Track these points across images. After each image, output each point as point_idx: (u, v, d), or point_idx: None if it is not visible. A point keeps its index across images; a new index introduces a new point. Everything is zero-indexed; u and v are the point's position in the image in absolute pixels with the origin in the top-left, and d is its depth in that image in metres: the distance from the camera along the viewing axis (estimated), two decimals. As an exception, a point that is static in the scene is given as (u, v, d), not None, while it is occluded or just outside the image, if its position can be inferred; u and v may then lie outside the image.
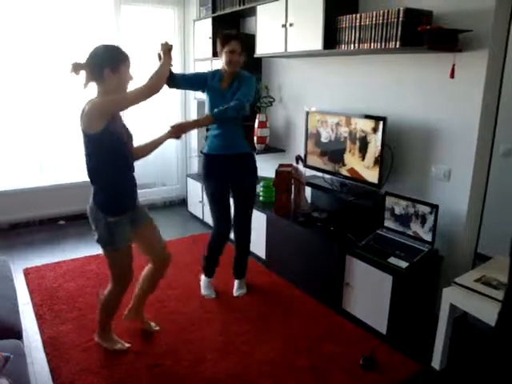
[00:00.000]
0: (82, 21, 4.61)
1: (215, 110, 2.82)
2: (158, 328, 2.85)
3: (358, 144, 3.12)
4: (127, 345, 2.67)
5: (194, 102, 5.17)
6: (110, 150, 2.32)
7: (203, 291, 3.31)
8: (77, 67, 2.31)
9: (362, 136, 3.07)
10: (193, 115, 5.25)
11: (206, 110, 3.04)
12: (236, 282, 3.37)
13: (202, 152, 3.18)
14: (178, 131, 2.74)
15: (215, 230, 3.21)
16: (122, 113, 2.55)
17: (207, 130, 3.22)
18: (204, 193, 3.20)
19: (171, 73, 2.83)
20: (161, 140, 2.68)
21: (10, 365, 1.76)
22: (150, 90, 2.35)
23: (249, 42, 3.97)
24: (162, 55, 2.62)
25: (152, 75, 2.39)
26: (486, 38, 2.51)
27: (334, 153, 3.35)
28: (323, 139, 3.42)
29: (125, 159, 2.44)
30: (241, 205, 3.19)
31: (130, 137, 2.49)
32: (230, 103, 2.81)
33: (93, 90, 2.35)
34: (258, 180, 3.34)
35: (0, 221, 4.58)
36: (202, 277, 3.37)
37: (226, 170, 3.08)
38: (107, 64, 2.28)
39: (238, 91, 2.90)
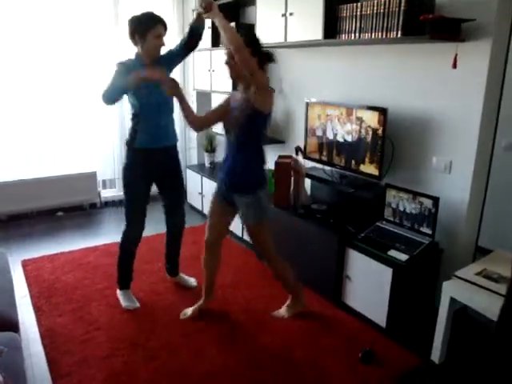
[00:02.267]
0: (80, 11, 4.55)
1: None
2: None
3: (358, 135, 3.09)
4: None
5: (193, 94, 5.13)
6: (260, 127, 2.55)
7: (124, 304, 3.01)
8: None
9: (363, 127, 3.03)
10: (192, 106, 5.21)
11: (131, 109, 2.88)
12: (180, 278, 3.34)
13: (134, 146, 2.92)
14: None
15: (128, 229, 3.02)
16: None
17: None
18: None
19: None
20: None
21: (5, 358, 1.75)
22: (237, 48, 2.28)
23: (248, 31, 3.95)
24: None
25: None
26: (489, 27, 2.46)
27: (333, 144, 3.31)
28: (323, 130, 3.38)
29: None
30: (171, 197, 3.16)
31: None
32: None
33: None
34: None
35: (-2, 212, 4.56)
36: (119, 291, 3.10)
37: (148, 164, 2.93)
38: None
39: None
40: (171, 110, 2.93)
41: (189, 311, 2.92)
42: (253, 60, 2.33)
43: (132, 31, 2.71)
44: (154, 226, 3.63)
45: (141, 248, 3.05)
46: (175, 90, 2.55)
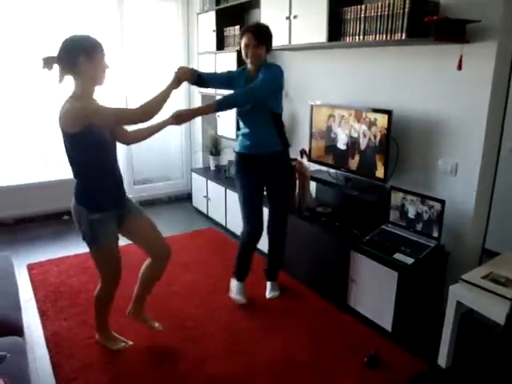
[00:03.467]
0: (86, 15, 4.57)
1: (219, 97, 2.75)
2: (160, 328, 2.76)
3: (363, 137, 3.07)
4: (130, 342, 2.65)
5: (198, 96, 5.13)
6: (89, 148, 2.25)
7: (234, 295, 3.13)
8: (49, 61, 2.23)
9: (367, 129, 3.02)
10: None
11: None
12: (268, 284, 3.28)
13: (234, 150, 3.14)
14: (178, 119, 2.60)
15: (246, 228, 3.06)
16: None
17: (238, 128, 3.19)
18: (237, 191, 3.12)
19: (199, 74, 2.84)
20: (160, 126, 2.53)
21: (10, 362, 1.74)
22: (142, 115, 2.31)
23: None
24: (176, 78, 2.60)
25: (151, 100, 2.34)
26: (495, 28, 2.44)
27: (338, 146, 3.30)
28: (328, 133, 3.37)
29: (107, 156, 2.36)
30: (276, 205, 3.13)
31: (112, 132, 2.40)
32: (239, 90, 2.76)
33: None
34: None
35: (4, 216, 4.58)
36: (234, 281, 3.20)
37: (257, 170, 3.01)
38: (81, 51, 2.19)
39: None
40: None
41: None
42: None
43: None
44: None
45: (141, 253, 3.02)
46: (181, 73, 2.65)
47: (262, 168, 3.00)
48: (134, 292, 2.74)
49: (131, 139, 2.57)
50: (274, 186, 3.09)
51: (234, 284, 3.18)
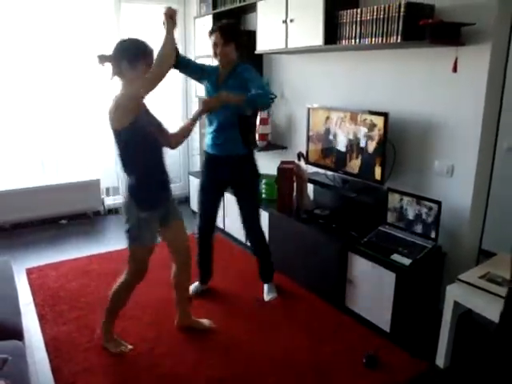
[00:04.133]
0: (83, 19, 4.59)
1: (252, 91, 2.68)
2: (213, 325, 2.86)
3: (360, 140, 3.09)
4: (130, 347, 2.65)
5: (195, 100, 5.15)
6: (140, 145, 2.33)
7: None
8: (102, 59, 2.32)
9: (364, 131, 3.04)
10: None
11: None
12: (265, 287, 3.27)
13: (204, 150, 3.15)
14: (207, 107, 2.67)
15: (197, 225, 3.21)
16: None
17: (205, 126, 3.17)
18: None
19: (178, 54, 2.79)
20: (193, 120, 2.65)
21: (10, 366, 1.75)
22: (157, 77, 2.25)
23: (249, 37, 3.97)
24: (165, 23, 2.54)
25: (156, 59, 2.29)
26: (489, 31, 2.47)
27: (335, 149, 3.32)
28: (325, 135, 3.39)
29: (155, 153, 2.45)
30: (243, 208, 3.11)
31: (160, 129, 2.49)
32: (259, 91, 2.67)
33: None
34: (261, 178, 3.30)
35: (2, 221, 4.57)
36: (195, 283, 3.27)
37: (219, 171, 3.02)
38: (125, 57, 2.27)
39: (242, 90, 2.72)
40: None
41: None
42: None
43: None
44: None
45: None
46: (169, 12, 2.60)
47: (225, 170, 3.00)
48: (175, 302, 2.81)
49: (175, 142, 2.62)
50: (240, 191, 3.08)
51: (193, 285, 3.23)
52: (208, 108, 2.69)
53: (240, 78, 2.81)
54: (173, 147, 2.64)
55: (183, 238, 2.71)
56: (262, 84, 2.79)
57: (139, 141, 2.31)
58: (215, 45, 2.83)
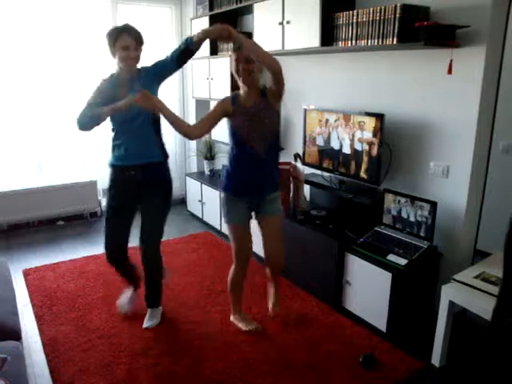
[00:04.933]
0: (79, 20, 4.59)
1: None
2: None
3: (355, 141, 3.11)
4: (260, 327, 2.84)
5: (192, 101, 5.17)
6: (230, 135, 2.56)
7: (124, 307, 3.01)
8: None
9: (360, 133, 3.06)
10: (191, 112, 5.25)
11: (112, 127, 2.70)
12: (148, 312, 2.93)
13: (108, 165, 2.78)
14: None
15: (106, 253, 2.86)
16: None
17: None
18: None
19: None
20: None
21: (8, 366, 1.76)
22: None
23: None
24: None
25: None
26: (484, 33, 2.49)
27: (331, 150, 3.34)
28: (321, 137, 3.41)
29: (241, 145, 2.53)
30: (147, 223, 2.78)
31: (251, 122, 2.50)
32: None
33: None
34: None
35: (-1, 222, 4.58)
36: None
37: (131, 184, 2.71)
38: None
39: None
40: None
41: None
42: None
43: (107, 44, 2.54)
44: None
45: (136, 257, 3.03)
46: (150, 106, 2.38)
47: (137, 181, 2.69)
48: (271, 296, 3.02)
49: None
50: (149, 202, 2.75)
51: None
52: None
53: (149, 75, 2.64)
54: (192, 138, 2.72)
55: (274, 239, 2.77)
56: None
57: (229, 131, 2.59)
58: (127, 48, 2.50)
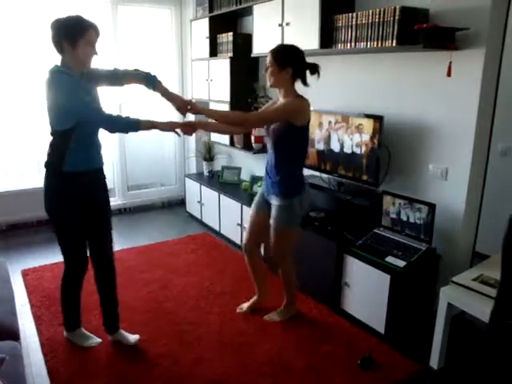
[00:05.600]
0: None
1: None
2: None
3: (354, 143, 3.11)
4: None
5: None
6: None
7: (85, 343, 2.70)
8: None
9: (359, 135, 3.06)
10: (190, 115, 5.24)
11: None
12: (119, 337, 2.73)
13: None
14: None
15: (71, 263, 2.60)
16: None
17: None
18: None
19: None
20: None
21: (6, 366, 1.75)
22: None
23: (246, 41, 4.01)
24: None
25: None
26: (483, 35, 2.50)
27: (330, 151, 3.34)
28: (319, 138, 3.41)
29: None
30: (101, 232, 2.65)
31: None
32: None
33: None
34: (255, 180, 3.29)
35: (-3, 222, 4.57)
36: (73, 334, 2.73)
37: (90, 188, 2.59)
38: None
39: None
40: None
41: (245, 306, 3.10)
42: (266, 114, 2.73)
43: (58, 37, 2.34)
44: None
45: (135, 258, 3.04)
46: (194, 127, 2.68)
47: (93, 186, 2.58)
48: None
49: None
50: (101, 209, 2.62)
51: (76, 336, 2.72)
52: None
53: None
54: None
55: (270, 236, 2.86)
56: None
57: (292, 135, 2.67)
58: (93, 43, 2.44)
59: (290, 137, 2.61)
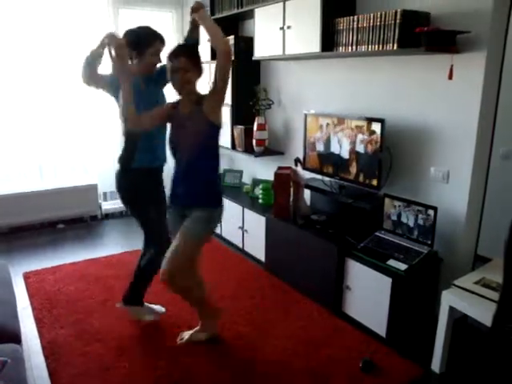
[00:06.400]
0: (81, 25, 4.61)
1: None
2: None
3: (356, 146, 3.12)
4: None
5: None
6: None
7: (148, 317, 2.96)
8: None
9: (361, 138, 3.07)
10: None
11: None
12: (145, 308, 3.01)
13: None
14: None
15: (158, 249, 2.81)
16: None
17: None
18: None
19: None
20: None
21: (8, 369, 1.76)
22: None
23: (248, 45, 4.01)
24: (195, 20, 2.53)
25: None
26: (484, 39, 2.50)
27: (332, 155, 3.34)
28: (321, 141, 3.41)
29: (171, 151, 2.56)
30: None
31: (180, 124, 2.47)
32: None
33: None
34: (258, 183, 3.25)
35: (0, 224, 4.58)
36: (139, 309, 2.97)
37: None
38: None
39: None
40: None
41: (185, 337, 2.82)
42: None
43: (129, 46, 2.51)
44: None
45: (132, 262, 3.04)
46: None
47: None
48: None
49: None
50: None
51: (141, 310, 2.97)
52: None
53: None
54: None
55: (174, 245, 2.55)
56: None
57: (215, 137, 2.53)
58: (158, 53, 2.65)
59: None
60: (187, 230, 2.47)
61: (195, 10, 2.42)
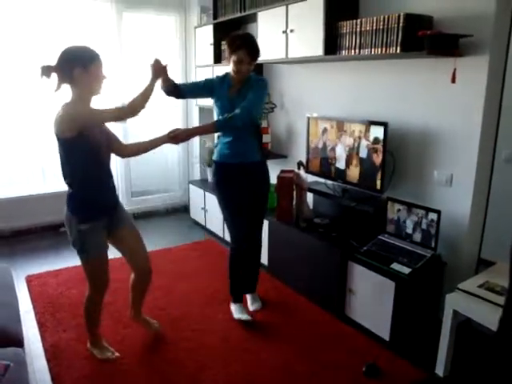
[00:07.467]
0: (84, 28, 4.62)
1: (220, 117, 2.80)
2: (157, 325, 2.88)
3: (359, 149, 3.11)
4: (116, 354, 2.63)
5: (196, 109, 5.18)
6: (82, 155, 2.29)
7: (237, 316, 3.04)
8: (46, 70, 2.29)
9: (364, 141, 3.06)
10: (195, 121, 5.26)
11: (215, 118, 2.97)
12: (249, 297, 3.25)
13: (213, 160, 3.04)
14: (175, 139, 2.64)
15: (232, 244, 3.09)
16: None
17: (218, 136, 3.04)
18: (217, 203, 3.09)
19: (176, 85, 2.86)
20: (156, 142, 2.61)
21: (11, 373, 1.76)
22: (129, 111, 2.35)
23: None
24: (153, 71, 2.60)
25: (136, 97, 2.37)
26: (487, 42, 2.50)
27: (335, 158, 3.34)
28: (325, 145, 3.41)
29: (99, 164, 2.40)
30: (252, 216, 3.03)
31: (110, 140, 2.48)
32: (236, 111, 2.69)
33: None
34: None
35: (2, 228, 4.58)
36: (232, 305, 3.14)
37: (236, 180, 2.95)
38: (77, 63, 2.24)
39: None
40: None
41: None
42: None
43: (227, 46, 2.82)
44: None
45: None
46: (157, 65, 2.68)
47: (241, 178, 2.94)
48: (130, 299, 2.80)
49: (127, 153, 2.64)
50: (252, 198, 3.00)
51: (233, 307, 3.12)
52: (176, 142, 2.70)
53: (250, 88, 2.80)
54: (123, 157, 2.76)
55: (139, 247, 2.64)
56: (252, 100, 2.76)
57: (85, 150, 2.28)
58: (240, 62, 2.73)
59: None
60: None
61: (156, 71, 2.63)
